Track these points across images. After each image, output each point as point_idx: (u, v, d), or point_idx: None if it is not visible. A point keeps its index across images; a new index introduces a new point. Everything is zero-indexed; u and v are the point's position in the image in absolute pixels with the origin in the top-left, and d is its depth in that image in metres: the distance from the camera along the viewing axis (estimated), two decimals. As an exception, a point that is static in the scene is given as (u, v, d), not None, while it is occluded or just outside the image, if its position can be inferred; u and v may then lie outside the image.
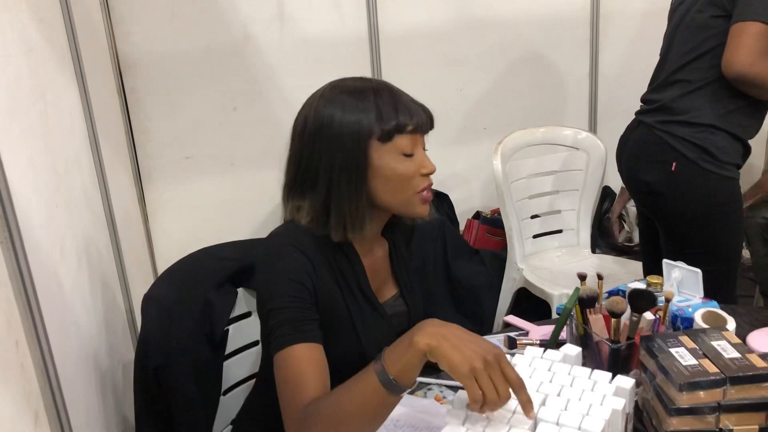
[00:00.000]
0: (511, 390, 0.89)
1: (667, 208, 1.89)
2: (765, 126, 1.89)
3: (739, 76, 1.70)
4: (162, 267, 1.48)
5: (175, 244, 2.67)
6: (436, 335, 0.89)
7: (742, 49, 1.67)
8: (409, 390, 0.94)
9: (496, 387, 0.87)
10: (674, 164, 1.82)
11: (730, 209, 1.86)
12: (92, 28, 2.23)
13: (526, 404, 0.89)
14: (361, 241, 1.22)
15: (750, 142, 1.86)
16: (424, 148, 1.19)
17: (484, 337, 1.40)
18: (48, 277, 1.22)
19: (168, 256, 1.51)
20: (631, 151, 1.98)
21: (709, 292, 1.43)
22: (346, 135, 1.12)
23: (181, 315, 1.36)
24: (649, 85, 2.01)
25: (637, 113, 2.00)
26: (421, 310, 1.35)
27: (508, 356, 0.92)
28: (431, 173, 1.18)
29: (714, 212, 1.83)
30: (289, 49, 2.70)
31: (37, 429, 1.03)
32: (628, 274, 2.29)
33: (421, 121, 1.16)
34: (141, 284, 2.06)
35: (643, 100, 2.00)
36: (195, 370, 1.37)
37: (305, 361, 1.05)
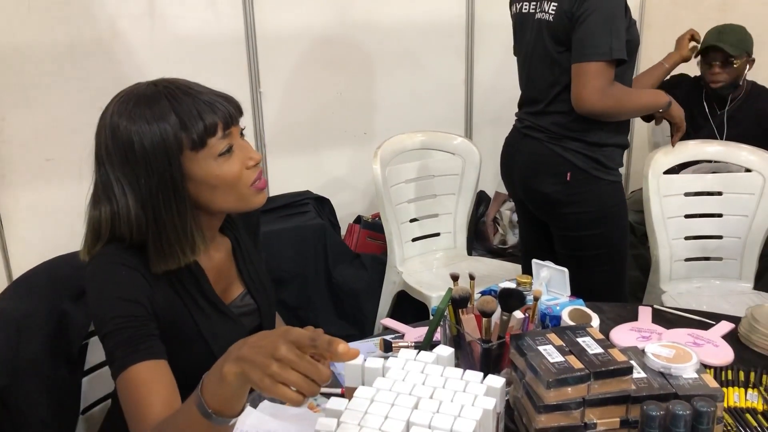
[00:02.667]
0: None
1: (565, 215, 1.99)
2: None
3: (589, 113, 1.83)
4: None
5: (34, 252, 2.46)
6: (238, 360, 0.81)
7: (586, 90, 1.79)
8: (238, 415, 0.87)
9: (307, 375, 0.78)
10: (569, 174, 1.92)
11: (618, 210, 2.00)
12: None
13: (329, 347, 0.79)
14: None
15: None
16: (241, 135, 1.13)
17: (363, 340, 1.40)
18: None
19: (26, 265, 1.39)
20: (525, 163, 2.05)
21: (603, 292, 1.51)
22: (153, 155, 1.04)
23: (32, 329, 1.25)
24: (523, 105, 2.08)
25: (522, 128, 2.05)
26: (273, 306, 1.31)
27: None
28: (257, 162, 1.12)
29: (605, 215, 1.96)
30: (160, 48, 2.58)
31: None
32: (503, 275, 2.35)
33: (228, 113, 1.08)
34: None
35: (525, 120, 2.05)
36: (48, 388, 1.25)
37: (144, 381, 0.99)
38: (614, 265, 2.02)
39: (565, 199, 1.95)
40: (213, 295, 1.17)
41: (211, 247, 1.20)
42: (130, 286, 1.05)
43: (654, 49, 3.40)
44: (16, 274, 2.47)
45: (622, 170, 2.02)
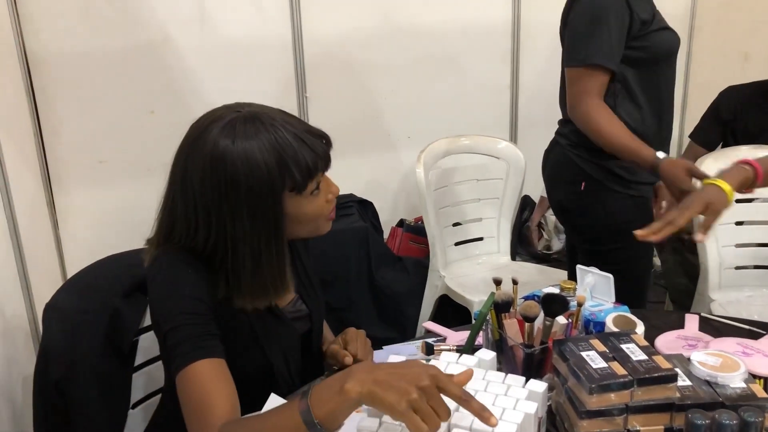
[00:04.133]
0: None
1: (577, 225, 1.95)
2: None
3: (573, 120, 1.80)
4: (73, 275, 1.42)
5: (88, 251, 2.54)
6: (367, 381, 0.84)
7: (568, 97, 1.78)
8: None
9: (436, 412, 0.83)
10: (583, 184, 1.87)
11: (635, 227, 1.73)
12: (-5, 24, 2.12)
13: (482, 413, 0.84)
14: None
15: None
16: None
17: (405, 343, 1.41)
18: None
19: (79, 263, 1.44)
20: (549, 170, 2.04)
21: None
22: (258, 194, 1.04)
23: (86, 325, 1.29)
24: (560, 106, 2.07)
25: (555, 134, 2.04)
26: (322, 311, 1.33)
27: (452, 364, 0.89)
28: (336, 195, 1.16)
29: (619, 231, 1.76)
30: (209, 52, 2.64)
31: None
32: (547, 281, 2.33)
33: (327, 155, 1.11)
34: (48, 293, 1.97)
35: (558, 126, 2.04)
36: (100, 382, 1.30)
37: (209, 379, 1.00)
38: (631, 285, 1.71)
39: (575, 208, 1.91)
40: None
41: None
42: (196, 285, 1.07)
43: (705, 53, 3.35)
44: (70, 271, 2.55)
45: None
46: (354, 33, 2.87)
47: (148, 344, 1.41)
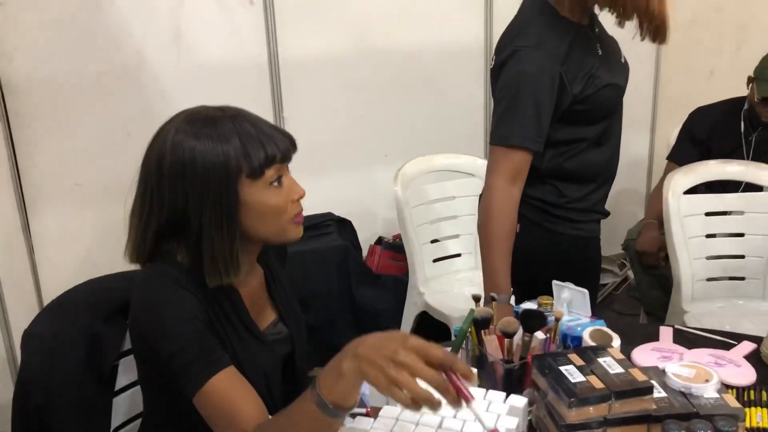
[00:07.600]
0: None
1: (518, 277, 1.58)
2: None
3: None
4: (50, 300, 1.41)
5: (65, 276, 2.53)
6: (356, 358, 0.87)
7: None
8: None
9: (422, 377, 0.84)
10: (518, 226, 1.57)
11: (583, 272, 1.60)
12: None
13: (467, 376, 0.87)
14: None
15: None
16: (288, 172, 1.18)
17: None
18: None
19: (56, 289, 1.42)
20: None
21: None
22: (213, 175, 1.06)
23: (65, 350, 1.28)
24: None
25: None
26: (304, 333, 1.33)
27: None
28: (302, 197, 1.18)
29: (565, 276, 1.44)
30: (185, 75, 2.65)
31: None
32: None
33: (286, 147, 1.14)
34: (25, 319, 1.94)
35: None
36: (80, 407, 1.29)
37: (230, 388, 1.02)
38: None
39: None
40: (249, 320, 1.20)
41: (248, 273, 1.22)
42: (190, 306, 1.08)
43: (672, 70, 3.42)
44: (47, 297, 2.52)
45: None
46: (330, 53, 2.90)
47: (128, 368, 1.40)
